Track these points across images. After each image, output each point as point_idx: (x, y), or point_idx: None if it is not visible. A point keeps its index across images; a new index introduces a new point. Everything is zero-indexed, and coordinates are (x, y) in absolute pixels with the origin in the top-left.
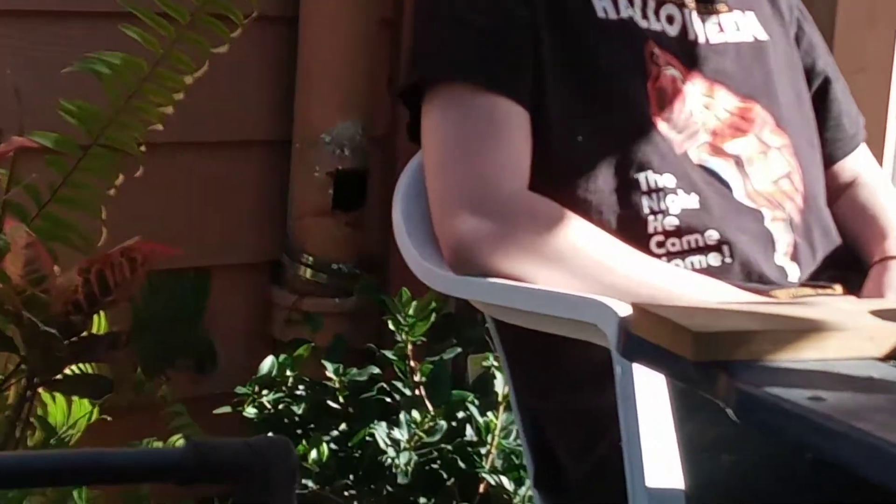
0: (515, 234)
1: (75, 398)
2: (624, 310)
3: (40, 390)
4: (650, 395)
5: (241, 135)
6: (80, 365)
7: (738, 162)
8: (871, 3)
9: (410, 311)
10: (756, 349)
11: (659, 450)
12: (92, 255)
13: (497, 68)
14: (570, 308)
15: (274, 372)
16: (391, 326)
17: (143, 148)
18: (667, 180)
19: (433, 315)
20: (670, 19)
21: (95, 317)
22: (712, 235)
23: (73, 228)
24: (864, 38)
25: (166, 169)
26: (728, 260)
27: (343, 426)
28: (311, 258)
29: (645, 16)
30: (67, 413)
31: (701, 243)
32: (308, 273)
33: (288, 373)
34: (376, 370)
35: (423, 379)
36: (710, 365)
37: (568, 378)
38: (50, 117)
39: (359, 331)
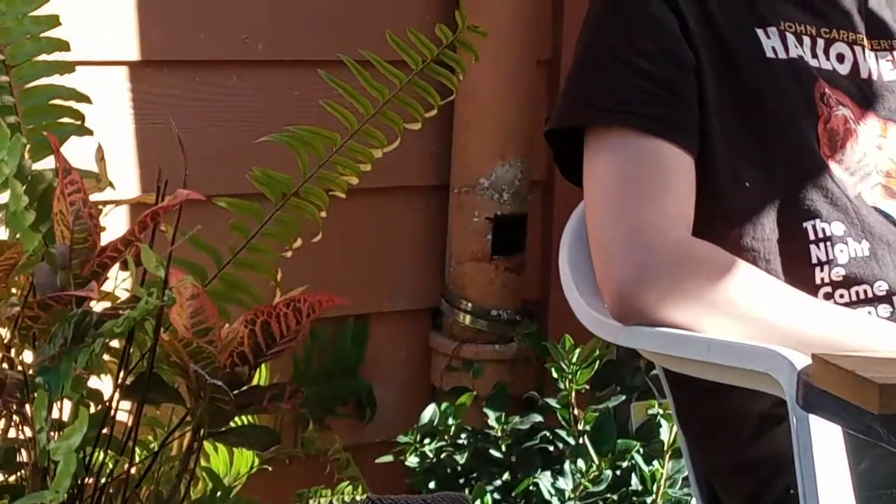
0: (681, 281)
1: (237, 450)
2: (800, 360)
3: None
4: (827, 447)
5: (399, 181)
6: (245, 416)
7: None
8: None
9: (574, 359)
10: None
11: (837, 500)
12: (257, 307)
13: (662, 112)
14: (744, 357)
15: (435, 420)
16: (554, 374)
17: (322, 214)
18: (836, 228)
19: (597, 363)
20: (840, 58)
21: None
22: (882, 286)
23: (248, 290)
24: None
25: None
26: None
27: (506, 475)
28: (470, 304)
29: (815, 55)
30: (230, 464)
31: (870, 294)
32: (467, 319)
33: (450, 421)
34: (538, 418)
35: (588, 427)
36: None
37: (730, 428)
38: (210, 167)
39: (519, 378)
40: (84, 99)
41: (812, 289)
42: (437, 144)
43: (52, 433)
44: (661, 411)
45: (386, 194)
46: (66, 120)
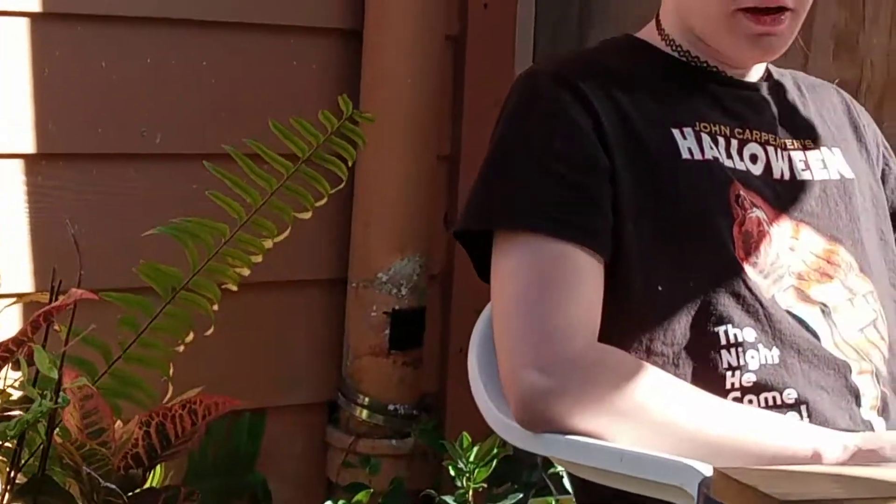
0: (588, 389)
1: None
2: (709, 472)
3: None
4: None
5: (297, 274)
6: None
7: (825, 310)
8: None
9: (471, 457)
10: None
11: None
12: (152, 409)
13: (574, 217)
14: (657, 470)
15: None
16: (452, 472)
17: (215, 307)
18: (747, 334)
19: (494, 460)
20: (754, 158)
21: None
22: (791, 394)
23: (140, 386)
24: None
25: (220, 309)
26: (806, 421)
27: None
28: (367, 399)
29: (729, 155)
30: None
31: (779, 401)
32: (364, 414)
33: None
34: None
35: None
36: None
37: None
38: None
39: (416, 474)
40: None
41: (722, 394)
42: (335, 238)
43: None
44: None
45: (284, 288)
46: None
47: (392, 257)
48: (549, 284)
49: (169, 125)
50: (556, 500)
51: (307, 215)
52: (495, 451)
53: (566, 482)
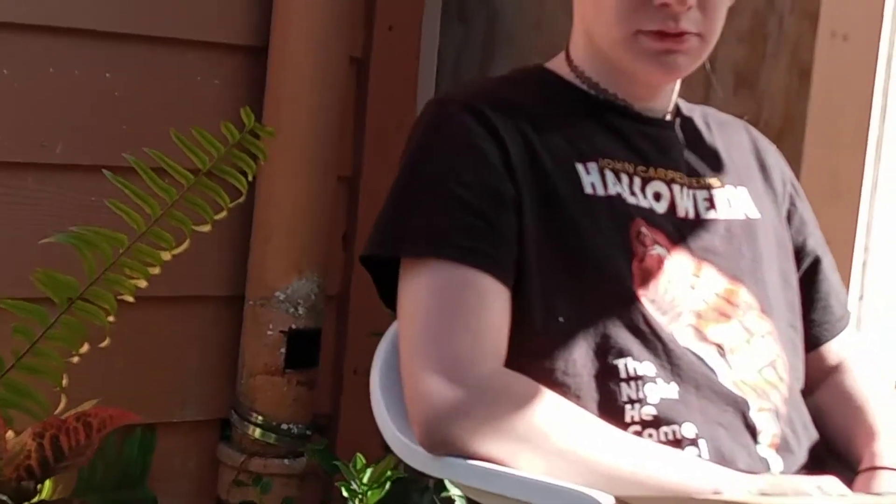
0: (491, 413)
1: None
2: (611, 502)
3: None
4: None
5: (193, 290)
6: None
7: (721, 350)
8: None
9: (365, 479)
10: None
11: None
12: (46, 420)
13: (479, 244)
14: (558, 498)
15: None
16: (345, 493)
17: (111, 318)
18: (646, 368)
19: (388, 483)
20: (657, 196)
21: None
22: (689, 429)
23: (32, 396)
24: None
25: (114, 322)
26: (705, 456)
27: None
28: (260, 417)
29: (633, 192)
30: None
31: (679, 435)
32: (257, 432)
33: None
34: None
35: None
36: None
37: None
38: (5, 271)
39: (307, 494)
40: None
41: (622, 426)
42: (234, 255)
43: None
44: None
45: (179, 303)
46: None
47: (290, 276)
48: (456, 310)
49: (70, 135)
50: None
51: (206, 228)
52: (389, 473)
53: None
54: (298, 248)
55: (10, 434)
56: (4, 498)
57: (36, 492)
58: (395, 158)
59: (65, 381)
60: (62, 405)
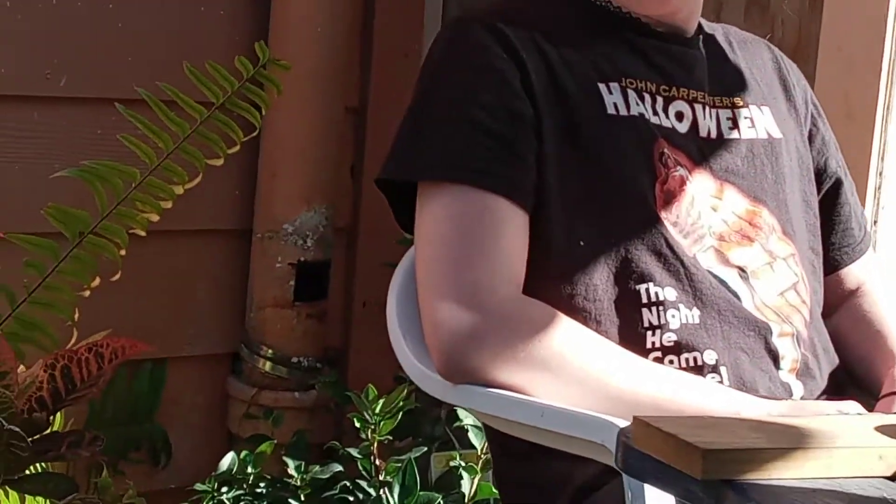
0: (510, 340)
1: (29, 497)
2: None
3: None
4: None
5: (201, 224)
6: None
7: (742, 273)
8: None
9: (377, 409)
10: (765, 467)
11: None
12: (57, 351)
13: (498, 168)
14: (579, 426)
15: (234, 468)
16: (357, 424)
17: (122, 252)
18: (668, 293)
19: (400, 413)
20: (679, 116)
21: None
22: (711, 355)
23: (44, 330)
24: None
25: (123, 257)
26: (726, 382)
27: None
28: (270, 351)
29: (655, 112)
30: None
31: (700, 362)
32: (267, 366)
33: (249, 469)
34: (339, 468)
35: (389, 478)
36: (720, 484)
37: (545, 496)
38: (14, 206)
39: (318, 426)
40: None
41: (643, 353)
42: (241, 188)
43: None
44: (462, 463)
45: (188, 237)
46: None
47: (298, 208)
48: (473, 235)
49: (75, 67)
50: (460, 454)
51: (219, 162)
52: (401, 403)
53: (471, 436)
54: (306, 179)
55: (21, 368)
56: (17, 429)
57: (48, 424)
58: (403, 88)
59: (76, 316)
60: (73, 339)
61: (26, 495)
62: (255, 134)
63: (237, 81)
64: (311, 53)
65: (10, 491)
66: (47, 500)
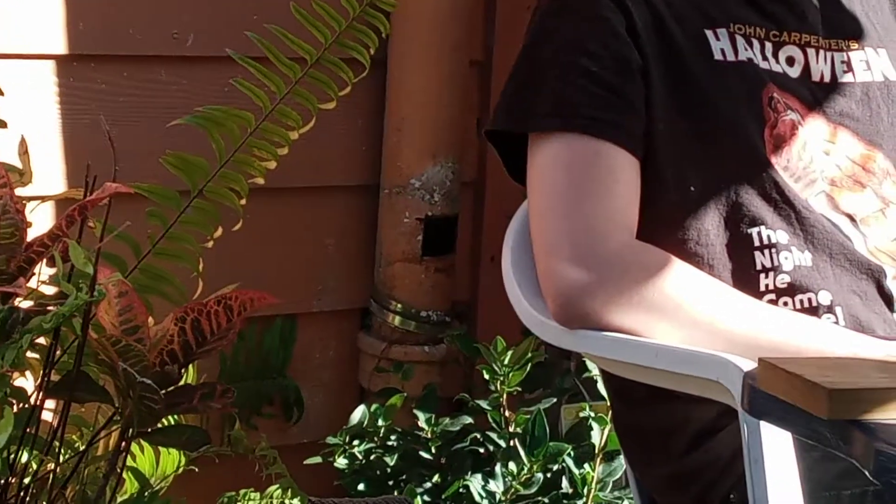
0: (624, 285)
1: (163, 449)
2: (750, 367)
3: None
4: (778, 454)
5: (329, 180)
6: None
7: (852, 220)
8: None
9: (506, 361)
10: (891, 406)
11: None
12: (187, 304)
13: (608, 115)
14: (694, 365)
15: (365, 422)
16: (486, 376)
17: (242, 202)
18: (780, 236)
19: (528, 365)
20: (790, 61)
21: None
22: (825, 296)
23: (170, 281)
24: None
25: (252, 215)
26: (842, 323)
27: (436, 478)
28: (399, 305)
29: (765, 57)
30: (156, 464)
31: (814, 303)
32: (397, 320)
33: (379, 422)
34: (469, 420)
35: (519, 430)
36: (846, 424)
37: (666, 440)
38: (140, 163)
39: (448, 380)
40: None
41: (756, 295)
42: (368, 144)
43: None
44: (591, 414)
45: (316, 193)
46: None
47: (425, 163)
48: (585, 182)
49: (201, 28)
50: (589, 406)
51: (332, 105)
52: (529, 355)
53: (599, 387)
54: (432, 134)
55: (150, 321)
56: (150, 382)
57: (180, 376)
58: None
59: (201, 267)
60: (199, 290)
61: (160, 447)
62: (364, 75)
63: (345, 21)
64: (435, 8)
65: (146, 445)
66: (181, 452)
